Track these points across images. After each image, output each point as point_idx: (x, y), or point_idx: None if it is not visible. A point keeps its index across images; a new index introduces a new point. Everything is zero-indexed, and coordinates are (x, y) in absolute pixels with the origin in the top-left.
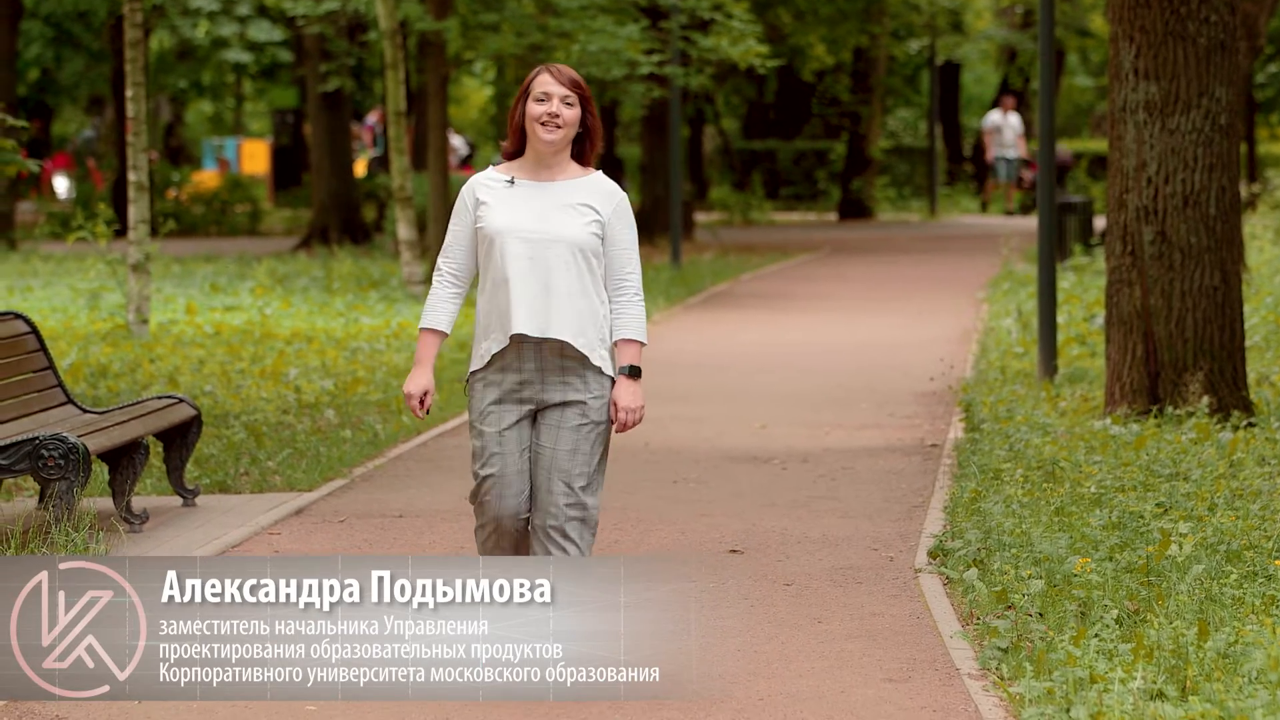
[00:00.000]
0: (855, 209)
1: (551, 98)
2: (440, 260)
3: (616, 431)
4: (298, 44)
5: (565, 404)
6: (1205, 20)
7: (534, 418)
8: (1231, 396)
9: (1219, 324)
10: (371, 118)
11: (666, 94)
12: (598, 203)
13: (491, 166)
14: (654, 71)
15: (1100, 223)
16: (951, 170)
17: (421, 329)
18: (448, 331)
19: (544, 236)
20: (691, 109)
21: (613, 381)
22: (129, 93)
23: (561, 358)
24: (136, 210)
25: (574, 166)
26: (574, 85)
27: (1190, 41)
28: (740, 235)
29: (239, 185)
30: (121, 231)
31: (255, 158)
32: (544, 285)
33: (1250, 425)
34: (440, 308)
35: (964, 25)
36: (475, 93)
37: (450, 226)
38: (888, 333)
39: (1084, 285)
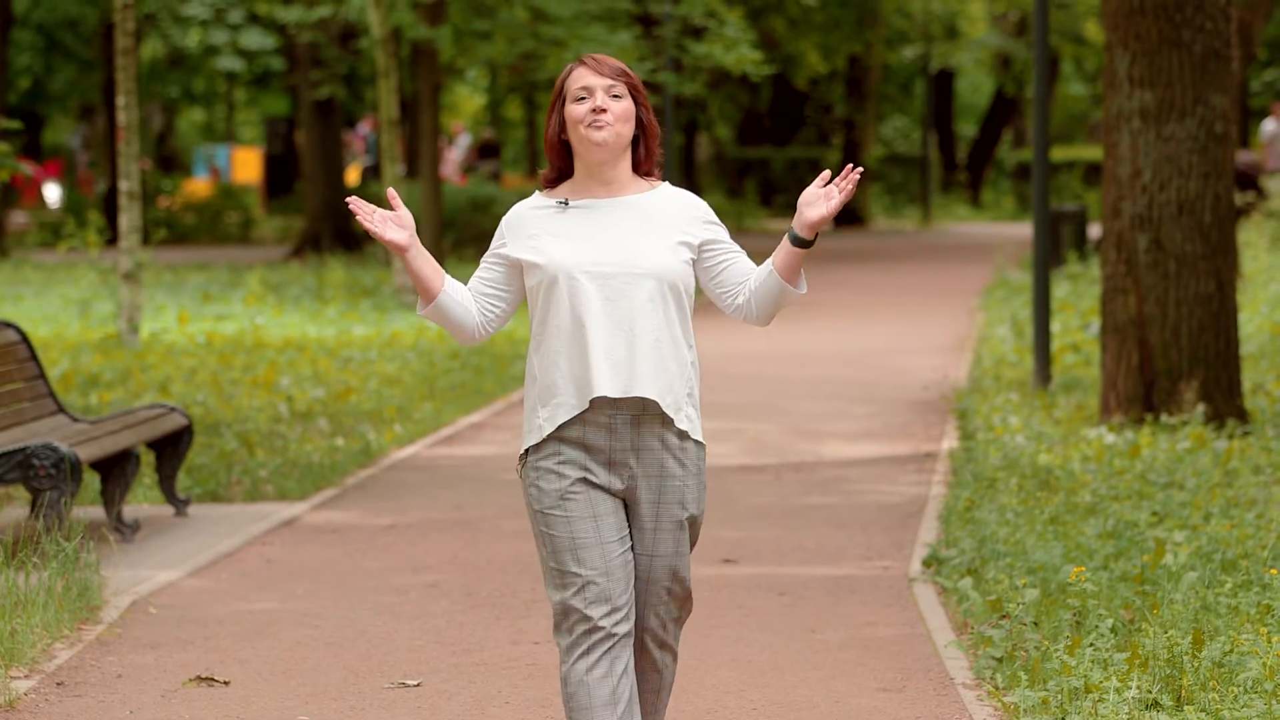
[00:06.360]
0: (849, 217)
1: (594, 92)
2: None
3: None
4: (290, 52)
5: (661, 493)
6: (1200, 28)
7: (624, 504)
8: (1226, 405)
9: (1214, 332)
10: (363, 126)
11: (659, 101)
12: (682, 222)
13: (537, 194)
14: (647, 79)
15: (1095, 230)
16: (946, 178)
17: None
18: (447, 289)
19: (622, 270)
20: (685, 116)
21: (702, 446)
22: (120, 101)
23: (661, 426)
24: (128, 219)
25: (636, 179)
26: (619, 74)
27: (1185, 49)
28: None
29: (231, 193)
30: (113, 240)
31: (247, 166)
32: (627, 331)
33: (1245, 434)
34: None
35: (958, 32)
36: (468, 101)
37: (483, 261)
38: (882, 341)
39: (1078, 293)
